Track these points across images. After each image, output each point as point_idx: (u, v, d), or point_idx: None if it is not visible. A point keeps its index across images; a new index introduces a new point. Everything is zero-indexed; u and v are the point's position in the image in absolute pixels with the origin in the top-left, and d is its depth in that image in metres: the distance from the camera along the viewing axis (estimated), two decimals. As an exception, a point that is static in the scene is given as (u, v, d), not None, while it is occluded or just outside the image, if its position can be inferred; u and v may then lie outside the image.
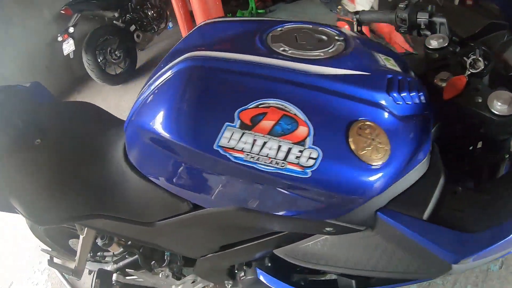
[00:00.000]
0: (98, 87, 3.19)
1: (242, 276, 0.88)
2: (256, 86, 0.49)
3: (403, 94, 0.52)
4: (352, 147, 0.46)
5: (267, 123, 0.45)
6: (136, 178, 0.68)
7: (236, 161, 0.46)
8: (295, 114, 0.46)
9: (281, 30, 0.60)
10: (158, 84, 0.55)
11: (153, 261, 1.02)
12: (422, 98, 0.55)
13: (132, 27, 3.10)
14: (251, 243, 0.74)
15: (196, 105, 0.48)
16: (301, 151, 0.45)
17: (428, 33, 0.67)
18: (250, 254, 0.79)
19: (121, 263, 1.15)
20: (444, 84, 0.56)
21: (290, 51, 0.54)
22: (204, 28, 0.65)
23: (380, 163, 0.47)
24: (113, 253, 1.13)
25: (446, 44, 0.61)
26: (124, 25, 3.00)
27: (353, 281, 0.74)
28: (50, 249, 1.14)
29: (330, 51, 0.55)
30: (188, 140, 0.47)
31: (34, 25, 2.96)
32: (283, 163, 0.45)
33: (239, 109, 0.46)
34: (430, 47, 0.62)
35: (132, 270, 1.04)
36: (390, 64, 0.59)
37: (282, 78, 0.49)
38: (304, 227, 0.61)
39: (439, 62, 0.62)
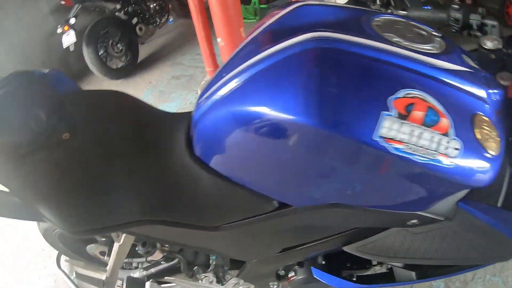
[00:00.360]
0: (97, 82, 3.06)
1: (293, 276, 0.87)
2: (396, 75, 0.47)
3: (495, 91, 0.54)
4: (478, 137, 0.46)
5: (418, 114, 0.44)
6: (208, 176, 0.60)
7: (395, 152, 0.43)
8: (434, 105, 0.45)
9: (378, 20, 0.59)
10: (268, 65, 0.49)
11: (196, 266, 0.94)
12: (503, 95, 0.58)
13: (134, 20, 2.98)
14: (320, 241, 0.71)
15: (343, 91, 0.44)
16: (448, 142, 0.45)
17: (478, 34, 0.70)
18: (313, 252, 0.77)
19: (152, 270, 1.06)
20: (507, 83, 0.60)
21: (404, 42, 0.53)
22: (304, 10, 0.59)
23: (495, 154, 0.47)
24: (145, 258, 1.04)
25: (501, 46, 0.65)
26: (126, 17, 2.88)
27: (413, 273, 0.75)
28: (72, 259, 1.03)
29: (437, 46, 0.56)
30: (341, 128, 0.43)
31: (30, 17, 2.81)
32: (434, 154, 0.44)
33: (391, 97, 0.44)
34: (485, 47, 0.65)
35: (172, 277, 0.96)
36: (472, 62, 0.61)
37: (414, 69, 0.49)
38: (393, 220, 0.60)
39: (497, 62, 0.66)
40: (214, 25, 2.00)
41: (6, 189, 0.78)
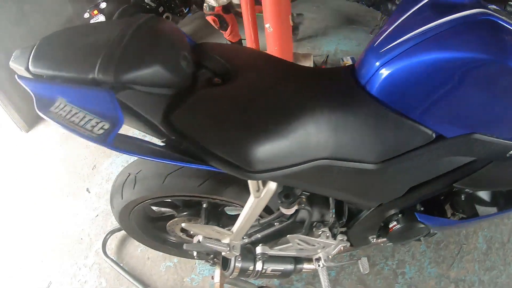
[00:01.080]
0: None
1: (394, 226, 0.95)
2: None
3: None
4: None
5: None
6: (385, 112, 0.67)
7: None
8: None
9: (491, 7, 0.70)
10: (453, 25, 0.64)
11: (315, 222, 0.95)
12: None
13: (161, 8, 2.92)
14: (438, 179, 0.80)
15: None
16: None
17: None
18: (428, 192, 0.85)
19: (258, 235, 1.02)
20: None
21: None
22: None
23: None
24: (258, 221, 1.00)
25: None
26: (155, 5, 2.82)
27: (495, 208, 0.92)
28: (194, 225, 0.98)
29: None
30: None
31: (49, 2, 2.71)
32: None
33: None
34: None
35: (300, 234, 0.94)
36: None
37: None
38: (500, 151, 0.72)
39: None
40: (263, 11, 1.99)
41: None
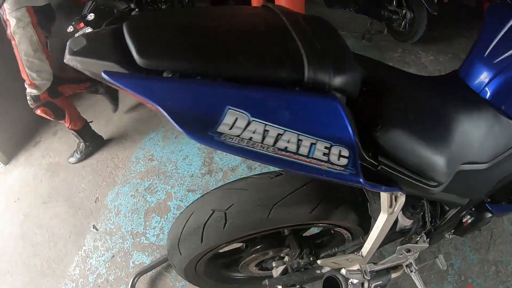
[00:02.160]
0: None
1: (468, 219, 0.99)
2: None
3: None
4: None
5: None
6: (498, 115, 0.71)
7: None
8: None
9: None
10: None
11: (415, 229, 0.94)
12: None
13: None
14: None
15: None
16: None
17: None
18: (507, 182, 0.87)
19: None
20: None
21: None
22: None
23: None
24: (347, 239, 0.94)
25: None
26: (143, 17, 2.64)
27: None
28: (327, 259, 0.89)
29: None
30: None
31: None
32: None
33: None
34: None
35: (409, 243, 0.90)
36: None
37: None
38: None
39: None
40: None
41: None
